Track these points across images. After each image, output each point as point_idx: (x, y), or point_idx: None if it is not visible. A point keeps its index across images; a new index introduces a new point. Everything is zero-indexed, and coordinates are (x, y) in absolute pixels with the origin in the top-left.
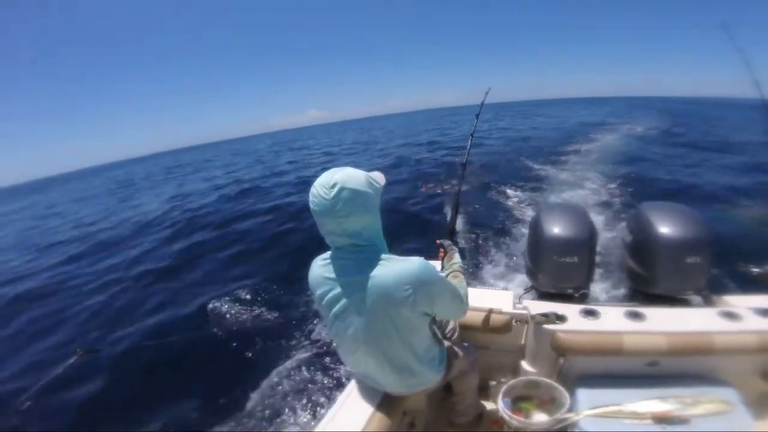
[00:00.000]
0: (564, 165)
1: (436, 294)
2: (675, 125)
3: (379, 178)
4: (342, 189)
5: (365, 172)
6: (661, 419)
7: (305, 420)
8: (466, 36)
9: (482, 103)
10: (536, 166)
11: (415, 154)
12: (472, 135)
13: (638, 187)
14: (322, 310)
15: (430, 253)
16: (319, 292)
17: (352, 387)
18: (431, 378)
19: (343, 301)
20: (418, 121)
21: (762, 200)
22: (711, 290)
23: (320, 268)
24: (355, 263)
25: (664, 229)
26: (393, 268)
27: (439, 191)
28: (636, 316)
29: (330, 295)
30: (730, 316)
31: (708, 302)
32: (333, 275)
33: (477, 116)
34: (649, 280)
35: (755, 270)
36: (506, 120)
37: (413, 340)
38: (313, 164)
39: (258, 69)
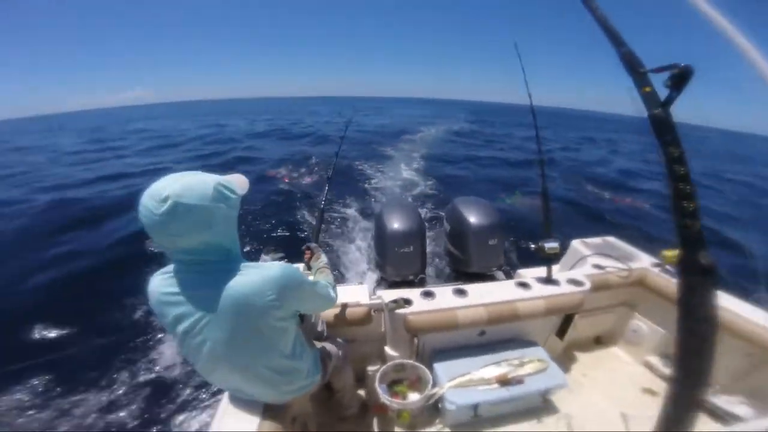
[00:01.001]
0: (393, 163)
1: (301, 294)
2: (477, 126)
3: (238, 184)
4: (176, 204)
5: (216, 179)
6: (503, 381)
7: None
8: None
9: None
10: (367, 166)
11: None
12: (339, 147)
13: (451, 182)
14: (168, 328)
15: (296, 257)
16: (162, 310)
17: (225, 405)
18: (310, 381)
19: (194, 317)
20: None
21: (522, 188)
22: (508, 265)
23: (161, 283)
24: (204, 276)
25: (472, 218)
26: (251, 277)
27: (286, 180)
28: (461, 292)
29: (176, 312)
30: (524, 285)
31: (507, 275)
32: (177, 290)
33: (347, 126)
34: (466, 261)
35: (532, 246)
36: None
37: (284, 347)
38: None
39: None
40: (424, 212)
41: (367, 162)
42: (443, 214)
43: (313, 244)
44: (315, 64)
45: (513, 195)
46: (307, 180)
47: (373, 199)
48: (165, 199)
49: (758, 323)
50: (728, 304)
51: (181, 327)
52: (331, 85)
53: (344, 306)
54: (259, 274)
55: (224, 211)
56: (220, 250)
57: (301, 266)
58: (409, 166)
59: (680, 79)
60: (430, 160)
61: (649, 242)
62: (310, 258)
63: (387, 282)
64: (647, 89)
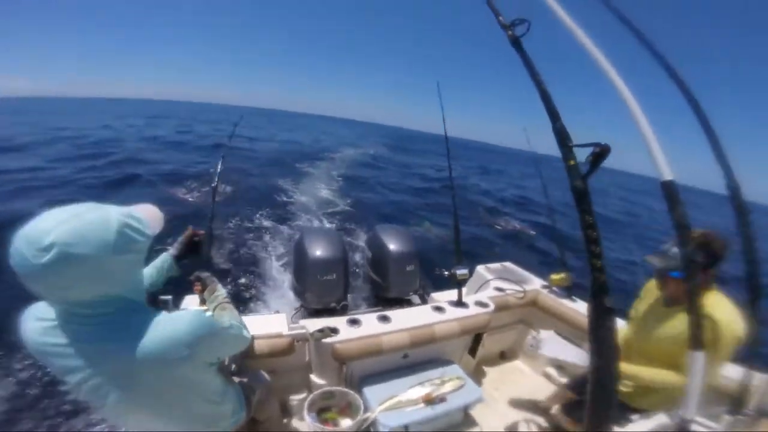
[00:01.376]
0: (310, 180)
1: (216, 344)
2: (394, 152)
3: (150, 220)
4: (62, 255)
5: (120, 217)
6: (428, 401)
7: None
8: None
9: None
10: (288, 186)
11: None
12: (223, 157)
13: (369, 209)
14: (56, 374)
15: (187, 289)
16: (45, 359)
17: None
18: (235, 419)
19: (90, 370)
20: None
21: (429, 214)
22: (423, 290)
23: (40, 332)
24: (99, 328)
25: (392, 245)
26: (159, 333)
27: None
28: (385, 319)
29: (65, 364)
30: (439, 309)
31: (422, 299)
32: (64, 341)
33: (230, 137)
34: (385, 287)
35: (446, 272)
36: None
37: (204, 392)
38: None
39: None
40: (347, 240)
41: (283, 178)
42: (363, 242)
43: (204, 273)
44: (242, 71)
45: (422, 224)
46: (195, 195)
47: (289, 218)
48: (48, 248)
49: None
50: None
51: (74, 378)
52: (257, 96)
53: (268, 337)
54: (168, 329)
55: (130, 259)
56: (121, 301)
57: (195, 299)
58: (327, 185)
59: (599, 156)
60: (346, 181)
61: (538, 265)
62: (202, 290)
63: (307, 309)
64: (572, 162)
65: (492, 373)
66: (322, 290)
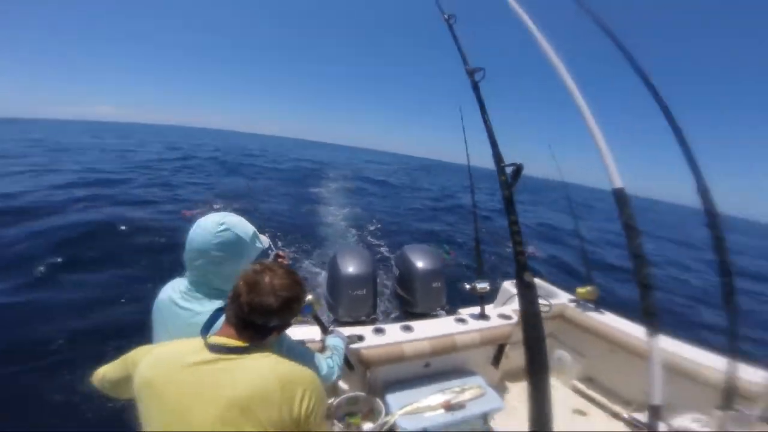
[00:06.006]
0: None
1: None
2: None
3: (263, 239)
4: (230, 233)
5: (252, 227)
6: (448, 407)
7: None
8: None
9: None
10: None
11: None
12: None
13: (396, 230)
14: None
15: None
16: (156, 315)
17: None
18: None
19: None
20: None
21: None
22: (449, 305)
23: (173, 293)
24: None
25: (419, 264)
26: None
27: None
28: (408, 328)
29: (164, 318)
30: (461, 320)
31: (448, 314)
32: (182, 304)
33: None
34: (413, 303)
35: (467, 286)
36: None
37: None
38: None
39: None
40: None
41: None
42: (392, 261)
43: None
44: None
45: (443, 251)
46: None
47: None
48: (223, 228)
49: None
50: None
51: (164, 335)
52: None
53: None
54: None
55: (252, 258)
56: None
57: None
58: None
59: (517, 172)
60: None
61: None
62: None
63: (339, 323)
64: (503, 177)
65: (517, 387)
66: (353, 304)
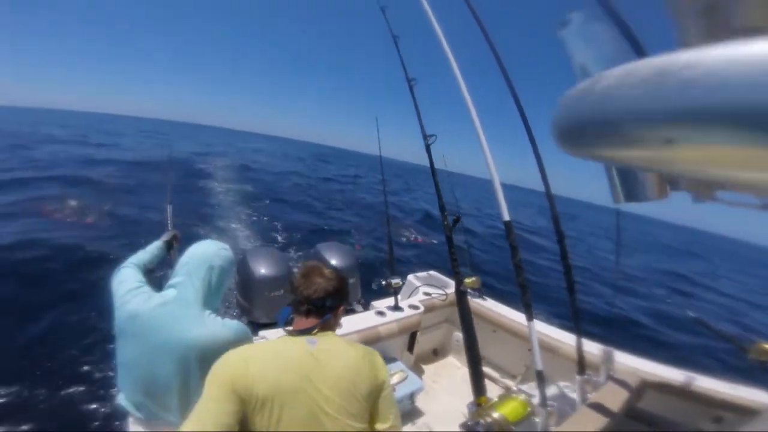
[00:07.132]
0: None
1: None
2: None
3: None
4: (228, 255)
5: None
6: None
7: None
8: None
9: None
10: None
11: None
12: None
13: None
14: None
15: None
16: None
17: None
18: None
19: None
20: None
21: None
22: (365, 299)
23: (151, 299)
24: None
25: (334, 261)
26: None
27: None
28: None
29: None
30: (381, 313)
31: (365, 307)
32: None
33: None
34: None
35: (383, 281)
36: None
37: None
38: None
39: None
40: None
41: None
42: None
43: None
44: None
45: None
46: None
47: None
48: (226, 250)
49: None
50: (506, 312)
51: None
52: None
53: None
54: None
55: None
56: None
57: None
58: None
59: (456, 221)
60: (273, 202)
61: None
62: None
63: (257, 325)
64: (446, 222)
65: (429, 368)
66: (271, 306)
